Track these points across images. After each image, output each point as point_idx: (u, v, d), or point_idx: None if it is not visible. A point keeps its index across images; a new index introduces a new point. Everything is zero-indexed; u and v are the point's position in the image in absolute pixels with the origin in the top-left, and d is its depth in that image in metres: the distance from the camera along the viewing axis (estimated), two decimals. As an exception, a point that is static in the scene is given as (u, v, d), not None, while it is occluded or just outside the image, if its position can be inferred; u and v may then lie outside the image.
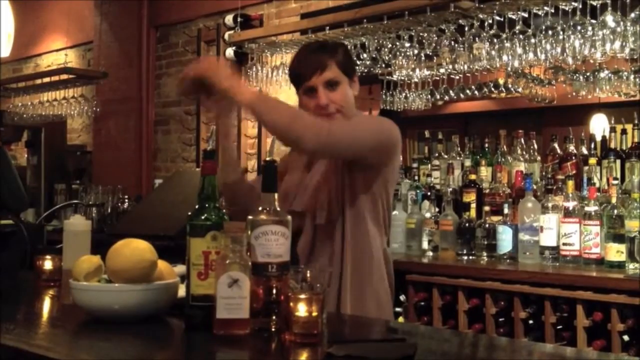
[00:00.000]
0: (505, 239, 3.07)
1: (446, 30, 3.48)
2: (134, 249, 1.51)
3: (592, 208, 2.85)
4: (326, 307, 1.37)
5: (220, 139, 2.08)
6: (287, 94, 4.56)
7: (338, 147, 1.90)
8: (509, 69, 3.46)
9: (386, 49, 3.72)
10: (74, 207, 4.62)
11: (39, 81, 6.02)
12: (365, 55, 3.79)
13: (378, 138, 1.98)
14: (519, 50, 3.16)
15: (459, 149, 3.71)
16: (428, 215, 3.35)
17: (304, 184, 2.05)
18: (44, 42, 6.80)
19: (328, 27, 3.93)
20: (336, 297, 1.96)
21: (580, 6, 2.99)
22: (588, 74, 3.42)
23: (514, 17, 3.22)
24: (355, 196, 2.00)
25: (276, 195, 1.47)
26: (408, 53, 3.63)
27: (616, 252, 2.73)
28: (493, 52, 3.24)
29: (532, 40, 3.11)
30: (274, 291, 1.40)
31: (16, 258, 2.70)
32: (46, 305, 1.87)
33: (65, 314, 1.70)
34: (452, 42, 3.43)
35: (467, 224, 3.20)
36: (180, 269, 1.59)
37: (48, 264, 2.03)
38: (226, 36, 4.73)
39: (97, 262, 1.55)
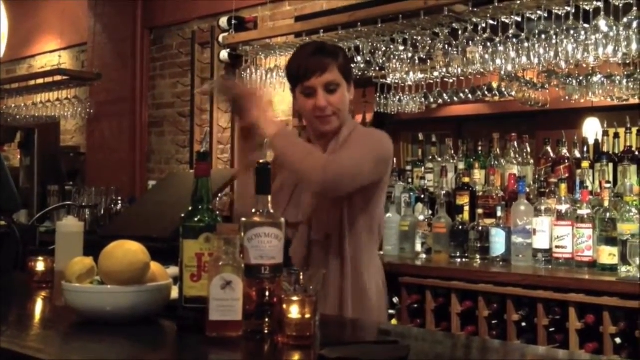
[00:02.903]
0: (498, 242, 3.08)
1: (440, 34, 3.49)
2: (127, 251, 1.51)
3: (584, 211, 2.86)
4: (319, 310, 1.37)
5: (241, 172, 2.09)
6: (282, 97, 4.57)
7: (340, 186, 1.93)
8: (503, 72, 3.48)
9: (380, 52, 3.73)
10: (67, 208, 4.60)
11: (32, 82, 6.00)
12: (359, 58, 3.80)
13: (377, 159, 2.00)
14: (513, 54, 3.17)
15: (452, 152, 3.72)
16: (421, 217, 3.35)
17: (297, 191, 2.05)
18: (37, 43, 6.78)
19: (322, 30, 3.94)
20: (337, 311, 1.96)
21: (574, 11, 3.01)
22: (581, 78, 3.43)
23: (507, 21, 3.24)
24: (353, 214, 2.01)
25: (270, 198, 1.47)
26: (402, 56, 3.64)
27: (608, 255, 2.74)
28: (487, 56, 3.25)
29: (526, 44, 3.12)
30: (267, 293, 1.40)
31: (8, 259, 2.69)
32: (38, 306, 1.87)
33: (58, 315, 1.69)
34: (446, 46, 3.44)
35: (460, 227, 3.21)
36: (173, 270, 1.59)
37: (40, 266, 2.03)
38: (220, 38, 4.73)
39: (90, 263, 1.55)
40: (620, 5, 2.87)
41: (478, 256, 3.13)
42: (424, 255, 3.28)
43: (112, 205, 4.77)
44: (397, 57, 3.65)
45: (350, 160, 1.95)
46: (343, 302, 1.98)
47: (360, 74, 3.80)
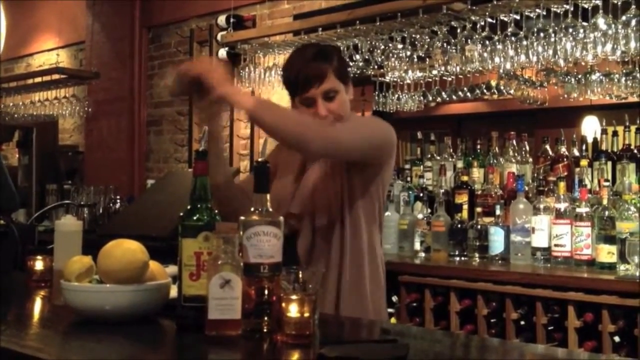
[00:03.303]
0: (497, 240, 3.08)
1: (438, 32, 3.48)
2: (126, 250, 1.51)
3: (583, 209, 2.86)
4: (318, 308, 1.37)
5: (209, 142, 2.07)
6: (280, 95, 4.56)
7: (342, 148, 1.91)
8: (501, 70, 3.48)
9: (379, 51, 3.73)
10: (66, 207, 4.60)
11: (30, 81, 5.99)
12: (358, 56, 3.80)
13: (378, 137, 2.00)
14: (511, 52, 3.17)
15: (451, 150, 3.72)
16: (420, 216, 3.35)
17: (300, 186, 2.05)
18: (35, 42, 6.77)
19: (321, 29, 3.93)
20: (335, 299, 1.97)
21: (572, 9, 3.00)
22: (580, 76, 3.43)
23: (506, 19, 3.24)
24: (353, 197, 2.01)
25: (268, 196, 1.47)
26: (401, 54, 3.63)
27: (607, 253, 2.74)
28: (485, 54, 3.25)
29: (524, 43, 3.12)
30: (266, 292, 1.40)
31: (7, 259, 2.68)
32: (37, 305, 1.86)
33: (56, 314, 1.69)
34: (445, 44, 3.44)
35: (459, 225, 3.21)
36: (172, 269, 1.59)
37: (39, 265, 2.03)
38: (219, 37, 4.72)
39: (89, 262, 1.54)
40: (619, 3, 2.87)
41: (477, 255, 3.14)
42: (422, 254, 3.28)
43: (111, 204, 4.77)
44: (395, 56, 3.65)
45: (351, 128, 1.95)
46: (340, 284, 1.98)
47: (358, 72, 3.80)
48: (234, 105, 1.86)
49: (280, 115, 1.89)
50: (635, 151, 3.13)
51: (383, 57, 3.72)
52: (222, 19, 4.74)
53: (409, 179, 3.67)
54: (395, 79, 3.89)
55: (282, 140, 1.96)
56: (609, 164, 3.11)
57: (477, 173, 3.42)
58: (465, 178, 3.39)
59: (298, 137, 1.86)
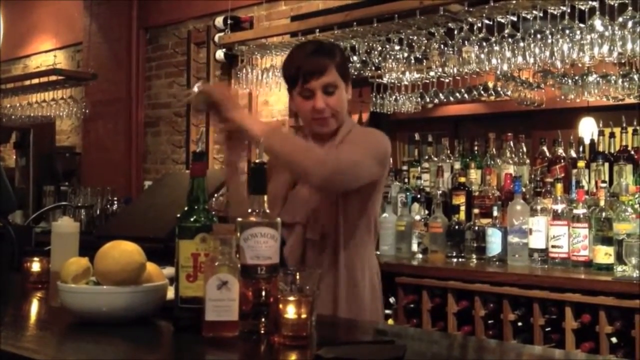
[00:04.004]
0: (494, 242, 3.08)
1: (436, 34, 3.49)
2: (123, 251, 1.51)
3: (580, 211, 2.86)
4: (316, 309, 1.37)
5: (230, 176, 2.06)
6: (277, 96, 4.57)
7: (341, 182, 1.91)
8: (498, 72, 3.48)
9: (376, 52, 3.73)
10: (63, 209, 4.59)
11: (27, 82, 5.99)
12: (355, 57, 3.80)
13: (377, 157, 1.99)
14: (508, 54, 3.17)
15: (448, 151, 3.72)
16: (418, 217, 3.35)
17: (293, 192, 2.04)
18: (32, 43, 6.77)
19: (318, 30, 3.93)
20: (331, 311, 1.96)
21: (569, 10, 3.01)
22: (577, 77, 3.44)
23: (503, 20, 3.24)
24: (349, 213, 2.00)
25: (265, 197, 1.47)
26: (398, 56, 3.64)
27: (604, 254, 2.75)
28: (482, 56, 3.25)
29: (521, 44, 3.13)
30: (263, 293, 1.40)
31: (4, 260, 2.68)
32: (34, 307, 1.86)
33: (53, 316, 1.69)
34: (442, 46, 3.44)
35: (456, 227, 3.21)
36: (169, 271, 1.59)
37: (36, 266, 2.02)
38: (216, 38, 4.72)
39: (85, 264, 1.54)
40: (616, 4, 2.87)
41: (474, 256, 3.14)
42: (420, 255, 3.28)
43: (108, 206, 4.76)
44: (393, 57, 3.65)
45: (351, 155, 1.93)
46: (336, 301, 1.97)
47: (356, 73, 3.80)
48: (245, 130, 1.87)
49: (288, 145, 1.91)
50: (632, 152, 3.13)
51: (380, 58, 3.72)
52: (219, 20, 4.74)
53: (406, 180, 3.67)
54: (392, 81, 3.89)
55: (289, 169, 1.97)
56: (606, 165, 3.12)
57: (474, 174, 3.43)
58: (462, 179, 3.39)
59: (302, 168, 1.88)
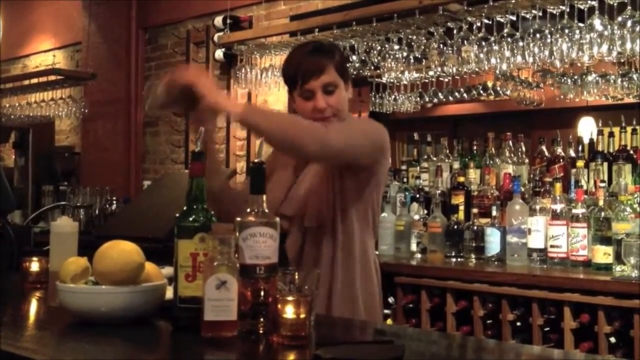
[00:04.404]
0: (493, 241, 3.08)
1: (435, 33, 3.49)
2: (121, 251, 1.51)
3: (579, 210, 2.86)
4: (314, 310, 1.37)
5: (203, 146, 2.06)
6: (277, 96, 4.57)
7: (337, 151, 1.90)
8: (498, 71, 3.49)
9: (375, 51, 3.73)
10: (62, 208, 4.59)
11: (26, 82, 5.98)
12: (354, 57, 3.80)
13: (372, 139, 2.00)
14: (507, 53, 3.17)
15: (447, 151, 3.72)
16: (417, 217, 3.35)
17: (294, 187, 2.05)
18: (32, 43, 6.76)
19: (317, 29, 3.93)
20: (326, 303, 1.96)
21: (568, 10, 3.01)
22: (576, 77, 3.44)
23: (502, 20, 3.24)
24: (346, 200, 2.00)
25: (264, 197, 1.47)
26: (397, 55, 3.64)
27: (603, 254, 2.75)
28: (481, 55, 3.25)
29: (520, 44, 3.13)
30: (262, 293, 1.40)
31: (3, 260, 2.68)
32: (33, 307, 1.86)
33: (52, 316, 1.68)
34: (441, 45, 3.44)
35: (455, 226, 3.21)
36: (168, 271, 1.59)
37: (35, 266, 2.02)
38: (215, 38, 4.72)
39: (84, 264, 1.54)
40: (615, 4, 2.88)
41: (473, 256, 3.14)
42: (419, 255, 3.28)
43: (107, 206, 4.76)
44: (392, 57, 3.65)
45: (346, 130, 1.94)
46: (332, 289, 1.97)
47: (355, 73, 3.80)
48: (225, 112, 1.85)
49: (272, 119, 1.90)
50: (631, 152, 3.13)
51: (379, 58, 3.72)
52: (218, 20, 4.74)
53: (405, 179, 3.67)
54: (391, 80, 3.89)
55: (277, 144, 1.94)
56: (605, 164, 3.12)
57: (473, 174, 3.43)
58: (461, 179, 3.39)
59: (293, 140, 1.85)
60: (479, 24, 3.31)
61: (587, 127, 4.27)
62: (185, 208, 1.46)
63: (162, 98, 1.83)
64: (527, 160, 3.46)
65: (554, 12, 3.06)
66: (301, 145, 1.85)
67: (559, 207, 2.92)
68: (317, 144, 1.85)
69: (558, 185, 2.96)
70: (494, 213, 3.12)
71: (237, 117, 1.83)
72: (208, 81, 1.83)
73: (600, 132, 3.25)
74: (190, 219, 1.44)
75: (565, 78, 3.49)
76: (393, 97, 4.00)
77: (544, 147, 3.40)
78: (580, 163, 3.09)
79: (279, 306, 1.31)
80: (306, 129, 1.88)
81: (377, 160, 2.02)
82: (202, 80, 1.80)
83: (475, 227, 3.15)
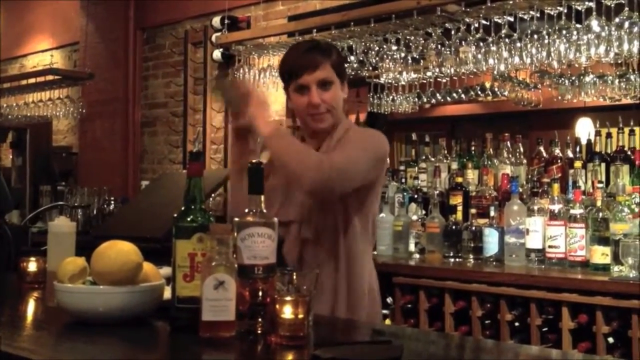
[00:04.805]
0: (491, 242, 3.08)
1: (433, 34, 3.49)
2: (119, 251, 1.50)
3: (577, 211, 2.86)
4: (313, 310, 1.37)
5: (234, 174, 2.05)
6: (275, 96, 4.56)
7: (333, 186, 1.88)
8: (495, 72, 3.49)
9: (373, 52, 3.73)
10: (59, 208, 4.59)
11: (24, 82, 5.97)
12: (352, 58, 3.80)
13: (372, 162, 1.98)
14: (505, 54, 3.17)
15: (445, 151, 3.72)
16: (415, 217, 3.35)
17: (291, 193, 2.04)
18: (29, 43, 6.75)
19: (315, 30, 3.93)
20: (329, 310, 1.95)
21: (566, 11, 3.01)
22: (573, 78, 3.44)
23: (500, 21, 3.24)
24: (346, 209, 1.99)
25: (262, 197, 1.47)
26: (395, 56, 3.64)
27: (601, 254, 2.75)
28: (479, 56, 3.25)
29: (518, 44, 3.13)
30: (260, 293, 1.40)
31: (0, 260, 2.67)
32: (30, 307, 1.86)
33: (50, 316, 1.68)
34: (439, 46, 3.44)
35: (453, 227, 3.21)
36: (166, 271, 1.59)
37: (32, 266, 2.02)
38: (213, 38, 4.72)
39: (82, 264, 1.54)
40: (612, 5, 2.88)
41: (471, 256, 3.14)
42: (417, 255, 3.29)
43: (105, 206, 4.76)
44: (390, 57, 3.65)
45: (345, 159, 1.92)
46: (336, 303, 1.96)
47: (353, 73, 3.80)
48: (254, 127, 1.91)
49: (287, 149, 1.92)
50: (629, 153, 3.14)
51: (377, 58, 3.72)
52: (216, 20, 4.74)
53: (403, 180, 3.67)
54: (389, 81, 3.89)
55: (284, 172, 1.96)
56: (603, 165, 3.12)
57: (471, 174, 3.43)
58: (459, 179, 3.39)
59: (294, 172, 1.89)
60: (476, 25, 3.31)
61: (584, 128, 4.28)
62: (183, 208, 1.46)
63: (223, 89, 1.93)
64: (525, 161, 3.47)
65: (552, 13, 3.06)
66: (300, 180, 1.88)
67: (556, 207, 2.92)
68: (312, 184, 1.86)
69: (556, 186, 2.96)
70: (492, 213, 3.12)
71: (261, 134, 1.90)
72: (255, 98, 1.93)
73: (597, 133, 3.26)
74: (188, 219, 1.44)
75: (562, 79, 3.49)
76: (391, 97, 4.00)
77: (541, 148, 3.40)
78: (578, 164, 3.09)
79: (277, 306, 1.30)
80: (309, 166, 1.86)
81: (376, 175, 2.02)
82: (248, 96, 1.91)
83: (473, 228, 3.15)
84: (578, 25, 2.96)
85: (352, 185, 1.93)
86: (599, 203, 2.82)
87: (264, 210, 1.45)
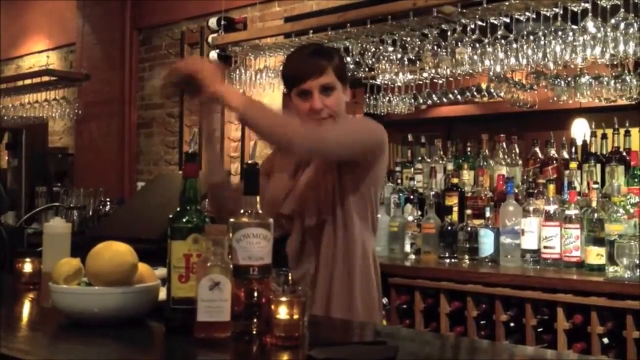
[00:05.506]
0: (486, 242, 3.09)
1: (429, 35, 3.49)
2: (114, 252, 1.50)
3: (572, 212, 2.87)
4: (308, 310, 1.37)
5: (203, 140, 2.08)
6: (271, 97, 4.56)
7: (328, 148, 1.93)
8: (491, 73, 3.49)
9: (370, 53, 3.73)
10: (55, 209, 4.58)
11: (20, 83, 5.97)
12: (348, 59, 3.79)
13: (365, 137, 2.00)
14: (501, 55, 3.18)
15: (441, 152, 3.72)
16: (411, 218, 3.36)
17: (293, 187, 2.05)
18: (25, 44, 6.74)
19: (312, 31, 3.93)
20: (325, 299, 1.96)
21: (562, 12, 3.02)
22: (569, 79, 3.45)
23: (496, 22, 3.25)
24: (344, 198, 2.01)
25: (258, 198, 1.47)
26: (391, 57, 3.64)
27: (596, 255, 2.76)
28: (475, 57, 3.26)
29: (514, 46, 3.13)
30: (256, 294, 1.40)
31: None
32: (25, 308, 1.85)
33: (45, 317, 1.68)
34: (435, 47, 3.44)
35: (449, 227, 3.22)
36: (162, 271, 1.59)
37: (28, 267, 2.02)
38: (210, 39, 4.72)
39: (77, 264, 1.54)
40: (608, 6, 2.88)
41: (467, 257, 3.14)
42: (413, 256, 3.29)
43: (101, 207, 4.75)
44: (386, 58, 3.66)
45: (338, 129, 1.97)
46: (331, 289, 1.97)
47: (349, 74, 3.80)
48: (224, 104, 1.88)
49: (267, 115, 1.92)
50: (624, 154, 3.14)
51: (374, 59, 3.72)
52: (213, 21, 4.74)
53: (399, 181, 3.68)
54: (386, 82, 3.89)
55: (269, 139, 1.98)
56: (598, 166, 3.13)
57: (467, 175, 3.43)
58: (455, 180, 3.40)
59: (284, 136, 1.89)
60: (472, 26, 3.31)
61: (580, 129, 4.29)
62: (178, 209, 1.46)
63: (163, 87, 1.88)
64: (520, 162, 3.47)
65: (548, 14, 3.07)
66: (291, 141, 1.89)
67: (552, 208, 2.93)
68: (306, 141, 1.89)
69: (551, 187, 2.97)
70: (488, 214, 3.13)
71: (234, 110, 1.86)
72: (210, 70, 1.87)
73: (593, 134, 3.26)
74: (184, 220, 1.44)
75: (558, 80, 3.50)
76: (387, 98, 4.00)
77: (537, 149, 3.41)
78: (573, 164, 3.10)
79: (273, 307, 1.31)
80: (297, 126, 1.91)
81: (370, 158, 2.02)
82: (204, 69, 1.85)
83: (469, 228, 3.16)
84: (574, 27, 2.97)
85: (343, 150, 1.95)
86: (594, 204, 2.82)
87: (260, 211, 1.46)
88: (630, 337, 2.47)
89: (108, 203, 4.74)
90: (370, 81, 3.98)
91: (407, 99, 3.96)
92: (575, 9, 2.97)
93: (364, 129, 2.03)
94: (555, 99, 3.58)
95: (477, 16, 3.28)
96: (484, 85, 3.80)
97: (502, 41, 3.18)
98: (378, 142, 2.03)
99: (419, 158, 3.77)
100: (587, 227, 2.81)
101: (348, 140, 1.96)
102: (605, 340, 2.53)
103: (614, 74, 3.30)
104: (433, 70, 3.49)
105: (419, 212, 3.39)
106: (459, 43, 3.33)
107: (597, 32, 2.89)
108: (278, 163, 2.14)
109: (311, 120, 2.02)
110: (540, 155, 3.38)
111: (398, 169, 3.78)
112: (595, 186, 2.89)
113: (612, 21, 2.87)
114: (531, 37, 3.08)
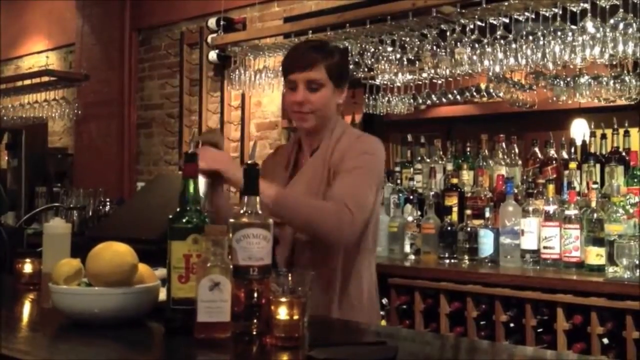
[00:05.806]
0: (486, 243, 3.09)
1: (428, 35, 3.49)
2: (114, 253, 1.50)
3: (572, 212, 2.87)
4: (308, 311, 1.37)
5: (218, 221, 2.01)
6: (270, 98, 4.57)
7: (359, 224, 1.89)
8: (491, 73, 3.49)
9: (369, 53, 3.73)
10: (55, 210, 4.57)
11: (19, 83, 5.96)
12: (348, 59, 3.80)
13: (376, 181, 1.98)
14: (500, 56, 3.18)
15: (441, 153, 3.72)
16: (410, 218, 3.36)
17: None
18: (25, 44, 6.74)
19: (311, 31, 3.93)
20: (325, 309, 1.93)
21: (561, 12, 3.02)
22: (568, 79, 3.45)
23: (495, 22, 3.25)
24: None
25: (258, 199, 1.47)
26: (391, 57, 3.64)
27: (596, 255, 2.76)
28: (474, 57, 3.26)
29: (513, 46, 3.14)
30: (256, 294, 1.40)
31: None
32: (26, 308, 1.86)
33: (45, 317, 1.68)
34: (434, 47, 3.45)
35: (449, 228, 3.22)
36: (161, 272, 1.59)
37: (28, 267, 2.02)
38: (209, 39, 4.72)
39: (77, 265, 1.54)
40: (607, 6, 2.89)
41: (466, 257, 3.14)
42: (412, 256, 3.29)
43: (100, 207, 4.74)
44: (385, 58, 3.66)
45: (355, 194, 1.88)
46: (329, 307, 1.94)
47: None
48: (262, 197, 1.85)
49: (296, 212, 1.87)
50: (624, 154, 3.15)
51: (373, 59, 3.72)
52: (212, 22, 4.74)
53: (399, 181, 3.68)
54: (385, 82, 3.90)
55: (306, 232, 1.94)
56: (598, 166, 3.13)
57: (466, 175, 3.43)
58: (455, 180, 3.40)
59: (319, 232, 1.87)
60: (472, 26, 3.31)
61: (579, 129, 4.28)
62: (178, 209, 1.46)
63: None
64: (520, 162, 3.47)
65: (547, 14, 3.07)
66: (329, 238, 1.88)
67: (551, 208, 2.93)
68: (343, 234, 1.86)
69: (551, 187, 2.97)
70: (487, 214, 3.13)
71: (266, 203, 1.75)
72: (230, 163, 1.86)
73: (592, 134, 3.27)
74: (184, 220, 1.44)
75: (557, 80, 3.50)
76: (386, 98, 4.00)
77: (537, 149, 3.41)
78: (572, 165, 3.10)
79: (273, 307, 1.31)
80: (327, 219, 1.85)
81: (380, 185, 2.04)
82: (223, 164, 1.83)
83: (468, 229, 3.16)
84: (573, 27, 2.97)
85: (369, 211, 1.94)
86: (593, 204, 2.83)
87: (259, 212, 1.46)
88: (630, 337, 2.47)
89: (108, 203, 4.74)
90: (370, 81, 3.98)
91: (407, 99, 3.96)
92: (575, 9, 2.97)
93: (372, 173, 1.97)
94: (554, 99, 3.58)
95: (476, 16, 3.28)
96: (483, 86, 3.80)
97: (502, 41, 3.18)
98: (382, 170, 2.04)
99: (419, 158, 3.77)
100: (586, 228, 2.81)
101: (369, 201, 1.93)
102: (605, 340, 2.53)
103: (613, 74, 3.30)
104: (432, 71, 3.49)
105: (419, 213, 3.39)
106: (458, 43, 3.33)
107: (596, 32, 2.89)
108: (272, 164, 2.13)
109: (293, 114, 2.01)
110: (539, 155, 3.38)
111: (397, 169, 3.78)
112: (595, 186, 2.89)
113: (611, 21, 2.87)
114: (530, 38, 3.08)
